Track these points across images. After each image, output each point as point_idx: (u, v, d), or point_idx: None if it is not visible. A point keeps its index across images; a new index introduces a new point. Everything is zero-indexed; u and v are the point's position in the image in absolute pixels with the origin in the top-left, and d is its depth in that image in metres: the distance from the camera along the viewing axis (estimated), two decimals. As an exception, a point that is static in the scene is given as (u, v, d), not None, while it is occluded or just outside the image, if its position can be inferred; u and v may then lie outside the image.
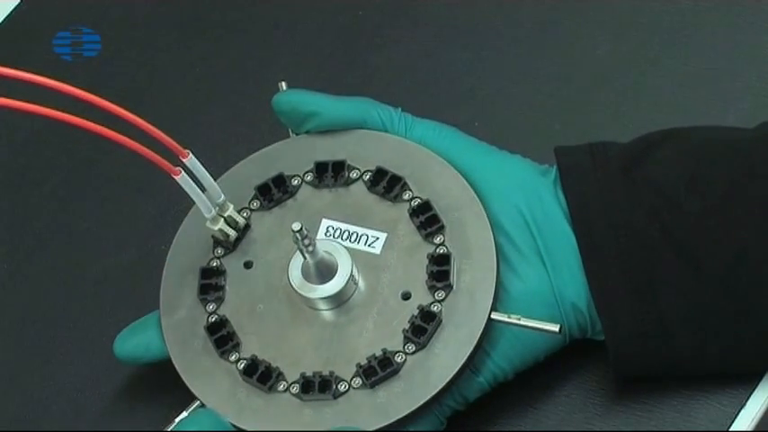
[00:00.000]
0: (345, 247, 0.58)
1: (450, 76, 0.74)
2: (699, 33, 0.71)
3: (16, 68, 0.49)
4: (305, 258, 0.57)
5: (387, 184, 0.60)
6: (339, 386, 0.56)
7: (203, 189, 0.58)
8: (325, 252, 0.57)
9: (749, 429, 0.59)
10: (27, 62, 0.67)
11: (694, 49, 0.71)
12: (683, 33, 0.72)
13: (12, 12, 0.83)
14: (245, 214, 0.61)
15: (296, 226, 0.54)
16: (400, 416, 0.55)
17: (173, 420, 0.58)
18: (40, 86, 0.49)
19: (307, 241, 0.55)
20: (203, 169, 0.57)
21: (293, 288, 0.58)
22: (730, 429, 0.59)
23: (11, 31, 0.83)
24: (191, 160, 0.56)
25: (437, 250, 0.58)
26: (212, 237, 0.61)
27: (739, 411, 0.59)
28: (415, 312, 0.57)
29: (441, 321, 0.57)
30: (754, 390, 0.59)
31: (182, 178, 0.55)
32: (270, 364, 0.57)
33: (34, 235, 0.73)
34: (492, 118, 0.71)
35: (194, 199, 0.57)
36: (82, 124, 0.50)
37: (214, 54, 0.79)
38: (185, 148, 0.55)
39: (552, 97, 0.71)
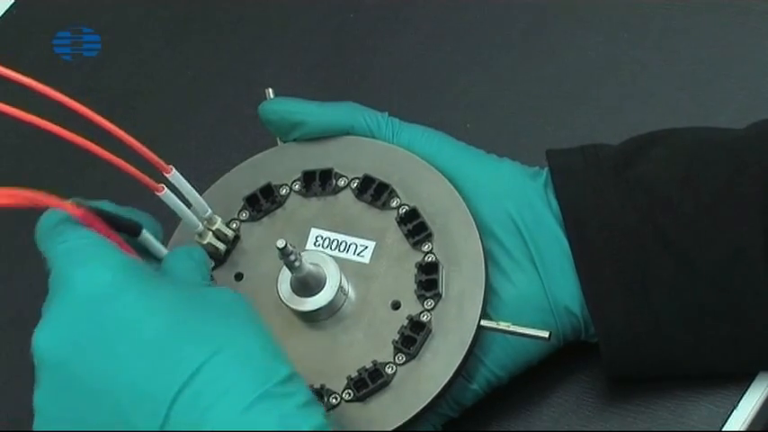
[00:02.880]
0: (334, 258, 0.58)
1: (442, 78, 0.73)
2: (690, 34, 0.71)
3: (7, 67, 0.48)
4: (292, 273, 0.56)
5: (374, 191, 0.60)
6: (330, 399, 0.56)
7: (189, 204, 0.57)
8: (313, 264, 0.57)
9: (741, 430, 0.59)
10: (24, 61, 0.67)
11: (686, 51, 0.70)
12: (675, 35, 0.71)
13: (6, 12, 0.83)
14: (234, 225, 0.61)
15: (280, 243, 0.54)
16: (392, 428, 0.55)
17: None
18: (28, 89, 0.49)
19: (293, 257, 0.55)
20: (188, 184, 0.56)
21: (282, 301, 0.57)
22: (723, 430, 0.59)
23: (9, 30, 0.83)
24: (174, 176, 0.55)
25: (425, 258, 0.58)
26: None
27: (732, 412, 0.59)
28: (405, 322, 0.57)
29: (430, 331, 0.57)
30: (746, 391, 0.59)
31: (165, 195, 0.55)
32: None
33: (31, 237, 0.73)
34: (483, 120, 0.71)
35: (180, 215, 0.56)
36: (68, 137, 0.50)
37: (211, 55, 0.79)
38: (168, 163, 0.55)
39: (544, 99, 0.71)
